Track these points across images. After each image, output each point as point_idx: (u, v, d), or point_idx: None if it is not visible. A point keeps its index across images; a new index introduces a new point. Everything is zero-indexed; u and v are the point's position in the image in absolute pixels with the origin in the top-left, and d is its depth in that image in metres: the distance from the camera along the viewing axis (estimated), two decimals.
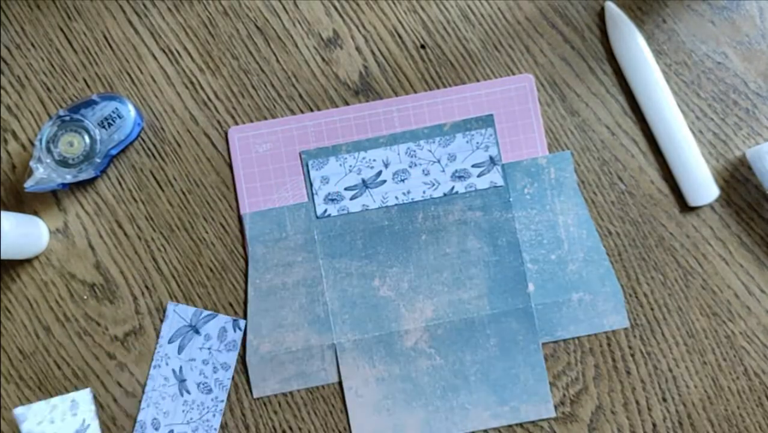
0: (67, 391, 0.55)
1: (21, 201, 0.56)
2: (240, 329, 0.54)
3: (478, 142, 0.55)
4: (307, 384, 0.54)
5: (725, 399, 0.54)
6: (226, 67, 0.57)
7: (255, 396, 0.54)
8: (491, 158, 0.55)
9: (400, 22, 0.57)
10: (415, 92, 0.56)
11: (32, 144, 0.56)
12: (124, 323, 0.55)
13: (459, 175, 0.55)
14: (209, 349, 0.54)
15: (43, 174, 0.53)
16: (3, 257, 0.51)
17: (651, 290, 0.54)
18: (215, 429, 0.53)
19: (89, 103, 0.54)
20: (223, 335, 0.54)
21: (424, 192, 0.55)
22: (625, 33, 0.55)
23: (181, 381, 0.54)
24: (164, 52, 0.57)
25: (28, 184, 0.53)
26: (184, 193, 0.56)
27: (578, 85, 0.56)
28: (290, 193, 0.56)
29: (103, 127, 0.54)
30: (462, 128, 0.56)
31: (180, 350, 0.54)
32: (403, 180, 0.55)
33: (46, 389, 0.55)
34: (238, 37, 0.57)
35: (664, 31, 0.56)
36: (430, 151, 0.55)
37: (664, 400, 0.54)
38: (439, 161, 0.55)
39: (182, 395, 0.54)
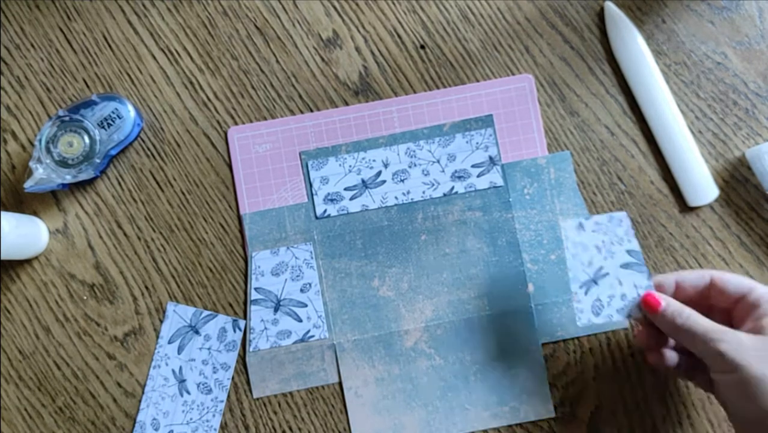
0: (67, 391, 0.55)
1: (21, 201, 0.56)
2: (240, 329, 0.54)
3: (477, 143, 0.55)
4: (306, 384, 0.54)
5: None
6: (225, 67, 0.57)
7: (255, 396, 0.54)
8: (491, 158, 0.55)
9: (400, 23, 0.57)
10: (415, 92, 0.56)
11: (32, 144, 0.56)
12: (123, 324, 0.55)
13: (459, 176, 0.55)
14: (209, 349, 0.54)
15: (42, 174, 0.53)
16: (3, 258, 0.51)
17: None
18: (215, 429, 0.53)
19: (89, 104, 0.54)
20: (223, 336, 0.54)
21: (423, 192, 0.55)
22: (624, 33, 0.55)
23: (181, 381, 0.54)
24: (164, 52, 0.57)
25: (28, 185, 0.53)
26: (183, 193, 0.56)
27: (578, 86, 0.56)
28: (290, 193, 0.56)
29: (103, 127, 0.54)
30: (461, 128, 0.56)
31: (180, 350, 0.54)
32: (402, 180, 0.55)
33: (45, 390, 0.55)
34: (237, 37, 0.57)
35: (663, 32, 0.56)
36: (429, 151, 0.55)
37: (664, 400, 0.54)
38: (438, 161, 0.55)
39: (182, 395, 0.54)
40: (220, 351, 0.54)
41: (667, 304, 0.45)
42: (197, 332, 0.54)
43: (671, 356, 0.48)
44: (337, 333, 0.54)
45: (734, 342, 0.42)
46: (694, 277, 0.47)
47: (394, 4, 0.57)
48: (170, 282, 0.55)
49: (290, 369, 0.54)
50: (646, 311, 0.46)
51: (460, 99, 0.56)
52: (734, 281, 0.46)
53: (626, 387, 0.54)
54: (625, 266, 0.48)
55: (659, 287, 0.48)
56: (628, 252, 0.48)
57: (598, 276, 0.48)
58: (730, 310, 0.46)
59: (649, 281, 0.47)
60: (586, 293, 0.48)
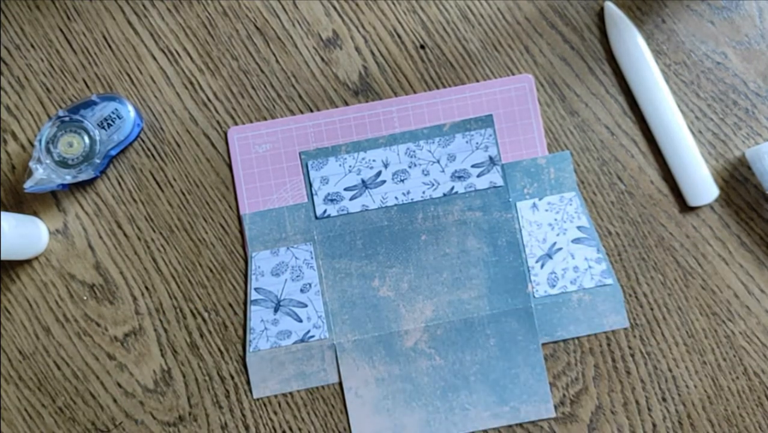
0: (67, 391, 0.55)
1: (20, 202, 0.56)
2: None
3: (477, 143, 0.55)
4: (306, 384, 0.54)
5: (725, 399, 0.54)
6: (225, 67, 0.57)
7: (255, 397, 0.54)
8: (491, 158, 0.55)
9: (400, 23, 0.57)
10: (415, 92, 0.56)
11: (32, 144, 0.56)
12: (123, 324, 0.55)
13: (459, 176, 0.55)
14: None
15: (42, 175, 0.53)
16: (3, 258, 0.51)
17: (651, 290, 0.54)
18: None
19: (89, 104, 0.54)
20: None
21: (423, 192, 0.55)
22: (624, 33, 0.55)
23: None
24: (164, 52, 0.57)
25: (28, 185, 0.53)
26: (183, 193, 0.56)
27: (578, 86, 0.56)
28: (290, 193, 0.56)
29: (103, 127, 0.54)
30: (461, 128, 0.56)
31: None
32: (402, 180, 0.55)
33: (45, 390, 0.55)
34: (237, 37, 0.57)
35: (663, 31, 0.56)
36: (429, 151, 0.55)
37: (664, 400, 0.54)
38: (438, 161, 0.55)
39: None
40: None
41: None
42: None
43: None
44: (337, 333, 0.54)
45: None
46: None
47: (394, 4, 0.57)
48: (170, 282, 0.55)
49: (290, 369, 0.54)
50: None
51: (460, 99, 0.56)
52: None
53: (626, 387, 0.54)
54: (577, 240, 0.53)
55: None
56: (579, 228, 0.54)
57: (552, 251, 0.54)
58: None
59: (599, 254, 0.53)
60: (542, 267, 0.54)
